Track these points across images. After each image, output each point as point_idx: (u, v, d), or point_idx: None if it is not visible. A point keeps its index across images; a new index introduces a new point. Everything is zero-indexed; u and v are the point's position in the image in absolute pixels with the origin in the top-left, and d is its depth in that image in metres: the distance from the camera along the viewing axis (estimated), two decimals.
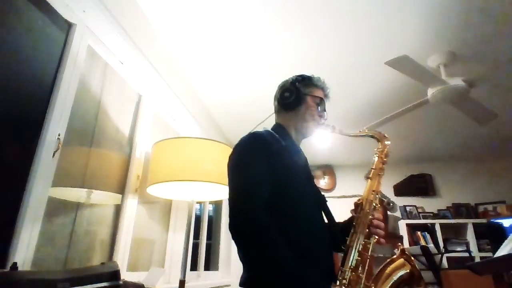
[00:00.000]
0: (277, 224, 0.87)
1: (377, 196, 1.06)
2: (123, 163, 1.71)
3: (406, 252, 1.06)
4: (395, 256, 1.06)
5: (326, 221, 1.08)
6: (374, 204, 1.03)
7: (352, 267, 0.93)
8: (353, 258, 0.94)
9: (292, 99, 1.14)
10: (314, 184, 1.14)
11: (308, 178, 1.12)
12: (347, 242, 0.97)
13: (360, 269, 0.93)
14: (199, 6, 1.80)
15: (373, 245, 0.98)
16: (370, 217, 1.01)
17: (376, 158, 1.13)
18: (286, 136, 1.12)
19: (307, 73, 1.23)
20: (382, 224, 1.02)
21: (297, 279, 0.83)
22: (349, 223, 1.04)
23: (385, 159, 1.13)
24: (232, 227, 0.87)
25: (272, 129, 1.15)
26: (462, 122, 2.90)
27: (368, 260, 0.95)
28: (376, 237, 0.99)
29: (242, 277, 0.93)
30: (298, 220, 0.96)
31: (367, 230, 0.99)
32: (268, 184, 0.93)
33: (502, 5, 1.75)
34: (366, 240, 0.98)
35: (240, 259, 0.90)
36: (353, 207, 1.07)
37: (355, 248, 0.95)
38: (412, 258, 1.04)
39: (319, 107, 1.16)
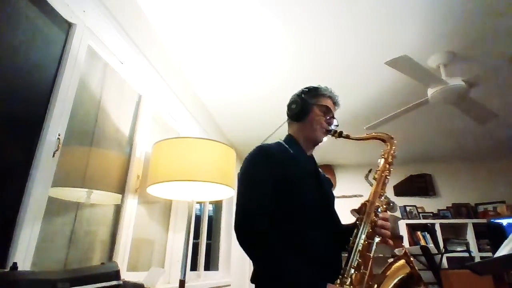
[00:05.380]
0: (282, 231, 0.96)
1: (383, 197, 1.07)
2: (123, 163, 1.71)
3: (408, 254, 1.06)
4: (398, 256, 1.06)
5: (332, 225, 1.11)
6: (380, 205, 1.05)
7: (354, 266, 0.94)
8: (354, 258, 0.95)
9: (298, 110, 1.20)
10: (323, 188, 1.17)
11: (316, 184, 1.15)
12: (350, 243, 0.99)
13: (362, 269, 0.94)
14: (198, 6, 1.80)
15: (377, 245, 0.99)
16: (374, 217, 1.01)
17: (383, 160, 1.15)
18: (294, 145, 1.18)
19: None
20: (387, 224, 1.02)
21: (300, 279, 0.87)
22: (354, 226, 1.05)
23: (390, 161, 1.15)
24: (238, 236, 0.97)
25: (284, 140, 1.23)
26: (462, 122, 2.90)
27: (370, 260, 0.96)
28: (380, 237, 1.00)
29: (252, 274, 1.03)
30: (302, 226, 1.01)
31: (370, 230, 1.00)
32: (271, 195, 1.00)
33: (502, 5, 1.75)
34: (369, 240, 0.98)
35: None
36: (353, 207, 1.07)
37: (356, 248, 0.97)
38: (412, 259, 1.04)
39: (326, 115, 1.20)
